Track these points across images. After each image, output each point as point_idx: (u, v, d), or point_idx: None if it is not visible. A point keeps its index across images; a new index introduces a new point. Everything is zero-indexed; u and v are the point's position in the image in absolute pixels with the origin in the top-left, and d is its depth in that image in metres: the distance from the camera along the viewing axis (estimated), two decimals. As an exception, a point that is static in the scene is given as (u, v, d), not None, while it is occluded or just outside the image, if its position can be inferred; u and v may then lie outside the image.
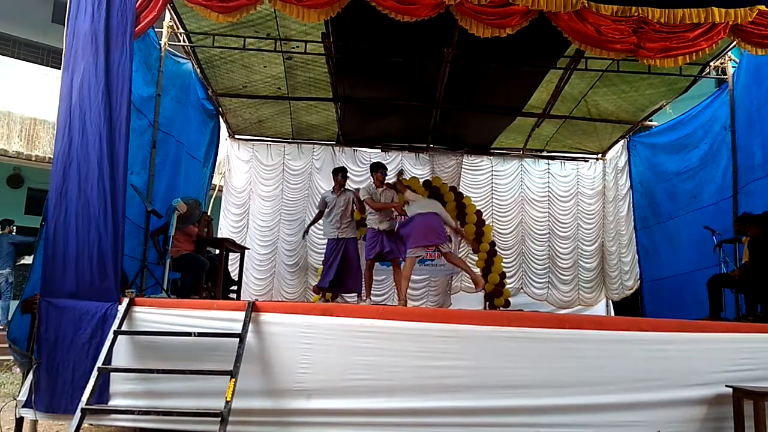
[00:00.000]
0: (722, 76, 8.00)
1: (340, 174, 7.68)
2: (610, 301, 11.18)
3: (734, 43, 6.23)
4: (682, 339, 4.47)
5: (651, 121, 9.84)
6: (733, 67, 7.82)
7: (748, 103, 7.37)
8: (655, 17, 5.33)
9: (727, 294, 6.57)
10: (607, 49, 5.53)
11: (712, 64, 7.84)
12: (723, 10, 5.32)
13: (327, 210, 7.54)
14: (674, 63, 5.68)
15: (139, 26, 5.09)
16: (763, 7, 5.32)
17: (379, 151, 10.97)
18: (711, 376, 4.35)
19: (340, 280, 7.34)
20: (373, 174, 7.44)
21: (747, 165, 7.30)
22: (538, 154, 11.27)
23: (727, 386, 4.28)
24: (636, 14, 5.32)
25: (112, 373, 4.22)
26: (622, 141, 10.49)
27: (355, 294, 7.55)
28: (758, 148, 7.08)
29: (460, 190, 10.57)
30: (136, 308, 4.40)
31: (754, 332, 4.58)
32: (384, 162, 10.45)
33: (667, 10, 5.33)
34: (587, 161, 11.37)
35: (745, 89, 7.48)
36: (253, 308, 4.31)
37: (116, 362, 4.24)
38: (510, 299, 10.19)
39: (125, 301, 4.37)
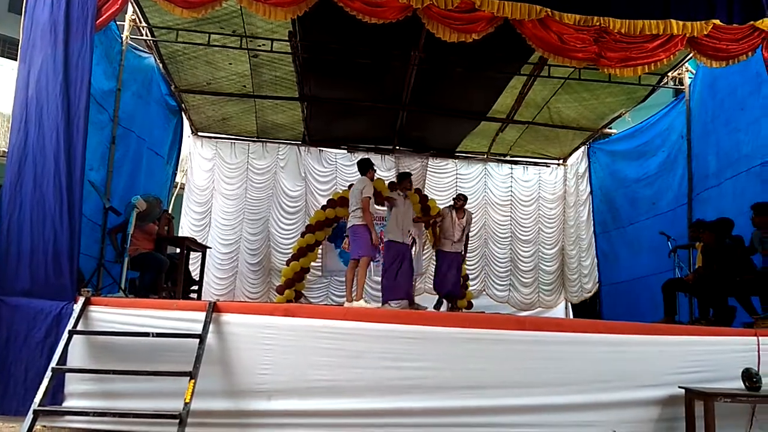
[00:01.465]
0: (680, 87, 8.27)
1: (407, 179, 7.59)
2: (569, 304, 11.41)
3: (691, 54, 6.44)
4: (638, 341, 4.58)
5: (611, 128, 10.09)
6: (689, 78, 8.07)
7: (704, 114, 7.63)
8: (616, 27, 5.48)
9: (681, 298, 6.77)
10: (570, 57, 5.65)
11: (670, 74, 8.10)
12: (681, 23, 5.50)
13: (394, 211, 7.34)
14: (634, 72, 5.86)
15: (101, 19, 4.97)
16: (717, 22, 5.52)
17: (345, 151, 10.95)
18: (665, 377, 4.47)
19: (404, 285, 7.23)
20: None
21: (702, 173, 7.57)
22: (502, 158, 11.43)
23: (679, 387, 4.40)
24: (597, 24, 5.46)
25: (66, 374, 4.11)
26: (583, 147, 10.73)
27: (406, 300, 7.33)
28: (713, 157, 7.35)
29: (425, 193, 10.62)
30: (92, 307, 4.29)
31: (706, 335, 4.73)
32: (351, 163, 10.51)
33: (627, 20, 5.49)
34: (549, 166, 11.59)
35: (701, 100, 7.75)
36: (214, 308, 4.25)
37: (71, 362, 4.12)
38: (472, 301, 10.29)
39: (81, 300, 4.25)
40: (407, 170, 10.19)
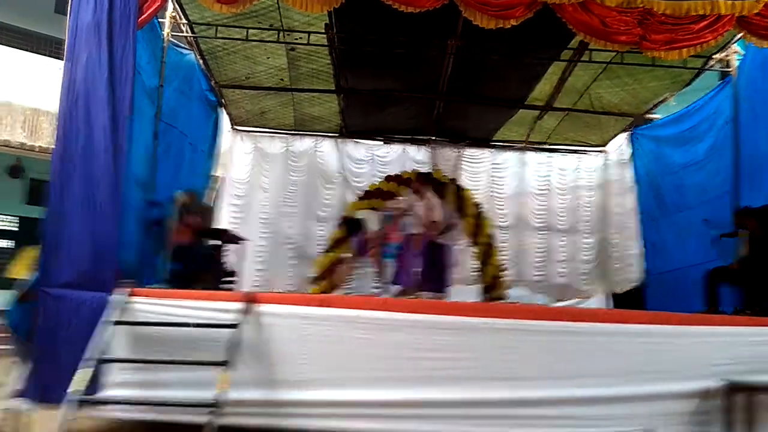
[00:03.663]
0: (726, 69, 7.94)
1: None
2: (608, 294, 11.14)
3: (739, 35, 6.19)
4: (677, 332, 4.47)
5: (654, 113, 9.79)
6: (737, 59, 7.76)
7: (754, 97, 7.31)
8: (661, 9, 5.28)
9: (725, 288, 6.55)
10: (612, 41, 5.50)
11: (716, 56, 7.79)
12: (729, 2, 5.26)
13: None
14: (679, 55, 5.65)
15: (142, 16, 5.10)
16: (769, -1, 5.27)
17: (382, 143, 10.94)
18: (706, 369, 4.35)
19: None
20: None
21: (751, 159, 7.25)
22: (540, 146, 11.22)
23: (722, 380, 4.27)
24: (641, 5, 5.27)
25: (107, 364, 4.22)
26: (625, 134, 10.44)
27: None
28: (763, 143, 7.03)
29: (459, 183, 10.53)
30: (134, 298, 4.41)
31: (750, 326, 4.57)
32: (386, 154, 10.56)
33: (672, 1, 5.27)
34: (589, 154, 11.32)
35: (750, 83, 7.41)
36: (250, 299, 4.31)
37: (112, 352, 4.23)
38: (507, 291, 10.17)
39: (123, 291, 4.37)
40: (438, 161, 10.18)
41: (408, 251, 7.68)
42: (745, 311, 5.89)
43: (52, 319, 4.30)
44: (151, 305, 4.40)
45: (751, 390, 4.02)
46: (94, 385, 4.12)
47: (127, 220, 4.99)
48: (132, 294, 4.41)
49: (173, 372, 4.16)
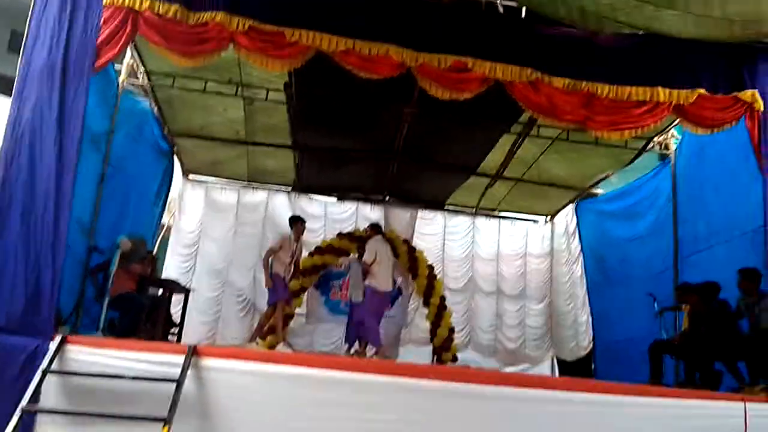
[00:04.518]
0: (665, 151, 8.43)
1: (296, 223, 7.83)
2: (555, 361, 11.27)
3: (677, 120, 6.62)
4: (624, 402, 4.52)
5: (598, 188, 10.23)
6: (675, 143, 8.25)
7: (692, 178, 7.76)
8: (604, 93, 5.62)
9: (668, 360, 6.73)
10: (559, 119, 5.80)
11: (656, 139, 8.27)
12: (667, 90, 5.66)
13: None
14: (621, 136, 6.01)
15: (99, 61, 5.04)
16: (702, 91, 5.69)
17: (335, 199, 11.00)
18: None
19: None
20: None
21: (691, 237, 7.63)
22: (490, 213, 11.51)
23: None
24: (586, 89, 5.61)
25: (38, 415, 3.96)
26: (571, 205, 10.83)
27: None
28: (702, 222, 7.43)
29: (413, 244, 10.63)
30: (69, 346, 4.18)
31: (693, 398, 4.68)
32: (341, 212, 10.65)
33: (615, 86, 5.64)
34: (536, 223, 11.67)
35: (687, 165, 7.90)
36: (194, 352, 4.16)
37: (45, 403, 3.98)
38: (458, 354, 10.16)
39: (57, 338, 4.15)
40: (392, 221, 10.29)
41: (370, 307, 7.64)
42: (686, 384, 6.04)
43: (-20, 364, 4.03)
44: (88, 355, 4.18)
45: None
46: None
47: (67, 264, 4.79)
48: (68, 342, 4.19)
49: (110, 426, 3.92)
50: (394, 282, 7.91)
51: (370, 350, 7.65)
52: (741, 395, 4.87)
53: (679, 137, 8.20)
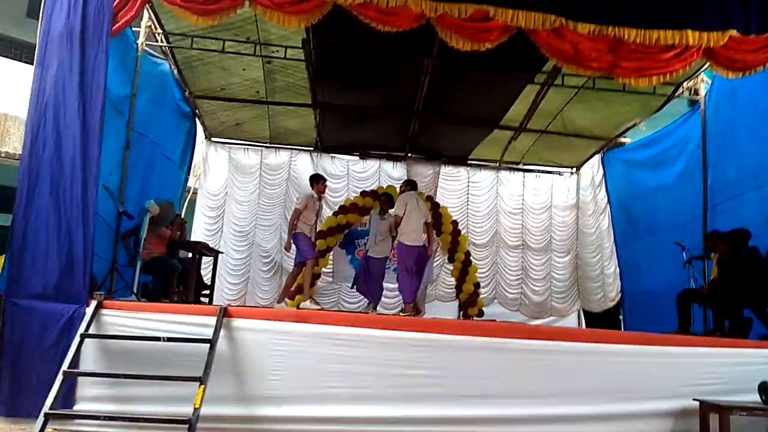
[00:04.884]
0: (695, 97, 8.19)
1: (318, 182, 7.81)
2: (581, 313, 11.30)
3: (707, 64, 6.39)
4: (651, 352, 4.54)
5: (625, 137, 10.02)
6: (705, 88, 8.00)
7: (723, 124, 7.53)
8: (631, 38, 5.42)
9: (696, 309, 6.69)
10: (584, 66, 5.62)
11: (685, 84, 8.02)
12: (697, 33, 5.43)
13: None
14: (648, 82, 5.80)
15: (117, 25, 5.02)
16: (734, 32, 5.44)
17: (357, 158, 10.97)
18: (679, 389, 4.43)
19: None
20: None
21: (721, 184, 7.46)
22: (514, 166, 11.38)
23: (694, 400, 4.34)
24: (612, 34, 5.41)
25: (78, 377, 4.13)
26: (597, 156, 10.65)
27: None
28: (733, 168, 7.24)
29: (437, 200, 10.61)
30: (105, 311, 4.32)
31: (721, 347, 4.67)
32: (363, 170, 10.65)
33: (642, 30, 5.42)
34: (562, 175, 11.52)
35: (718, 110, 7.65)
36: (224, 314, 4.26)
37: (83, 366, 4.15)
38: (484, 309, 10.24)
39: (93, 303, 4.28)
40: (415, 178, 10.26)
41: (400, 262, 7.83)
42: (715, 332, 6.02)
43: (20, 331, 4.19)
44: (123, 318, 4.32)
45: (723, 410, 4.09)
46: (66, 399, 4.03)
47: (98, 231, 4.90)
48: (103, 306, 4.32)
49: (147, 387, 4.08)
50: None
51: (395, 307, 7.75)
52: (771, 342, 4.85)
53: (710, 81, 7.94)
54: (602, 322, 10.67)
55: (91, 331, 4.17)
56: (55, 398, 3.80)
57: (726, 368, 4.54)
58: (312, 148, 10.84)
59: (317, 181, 7.77)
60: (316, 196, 7.62)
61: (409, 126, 9.76)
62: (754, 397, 4.27)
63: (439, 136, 10.13)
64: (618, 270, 10.24)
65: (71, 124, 4.60)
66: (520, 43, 5.50)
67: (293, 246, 7.33)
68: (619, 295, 10.21)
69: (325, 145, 10.68)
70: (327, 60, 7.77)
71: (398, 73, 8.04)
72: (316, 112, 9.35)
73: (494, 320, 8.88)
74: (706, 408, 4.28)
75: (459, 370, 4.27)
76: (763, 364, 4.54)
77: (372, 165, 10.95)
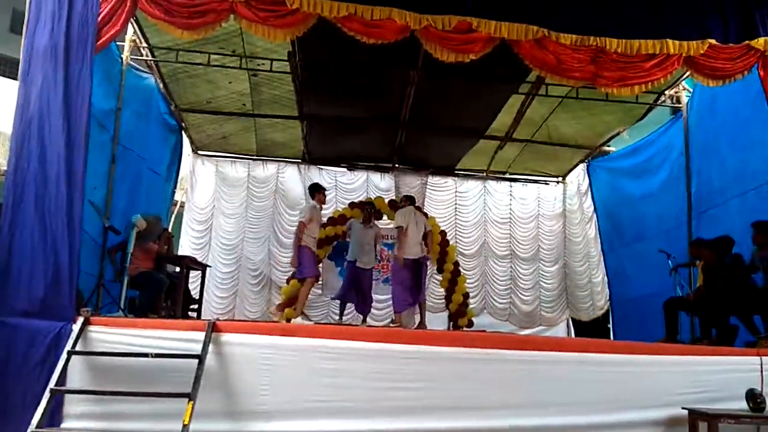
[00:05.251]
0: (677, 105, 8.30)
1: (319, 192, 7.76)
2: (570, 322, 11.35)
3: (687, 73, 6.49)
4: (640, 361, 4.54)
5: (609, 146, 10.13)
6: (687, 96, 8.11)
7: (705, 132, 7.64)
8: (612, 47, 5.51)
9: (683, 317, 6.73)
10: (567, 76, 5.69)
11: (667, 92, 8.13)
12: (677, 42, 5.54)
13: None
14: (631, 91, 5.91)
15: (101, 40, 5.00)
16: (713, 41, 5.56)
17: (345, 169, 10.98)
18: (667, 398, 4.43)
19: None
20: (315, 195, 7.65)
21: (706, 191, 7.55)
22: (501, 176, 11.45)
23: (683, 408, 4.36)
24: (594, 44, 5.49)
25: (65, 395, 4.06)
26: (582, 165, 10.75)
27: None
28: (716, 175, 7.33)
29: (425, 210, 10.62)
30: (92, 327, 4.25)
31: (709, 355, 4.70)
32: (350, 181, 10.66)
33: (624, 40, 5.52)
34: (548, 184, 11.60)
35: (700, 118, 7.76)
36: (213, 328, 4.22)
37: (70, 383, 4.07)
38: (473, 319, 10.24)
39: (80, 320, 4.23)
40: (402, 188, 10.31)
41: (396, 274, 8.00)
42: (702, 340, 6.06)
43: (6, 349, 4.11)
44: (110, 335, 4.25)
45: (711, 418, 4.11)
46: (53, 416, 3.95)
47: (84, 246, 4.85)
48: (90, 323, 4.27)
49: (135, 404, 4.01)
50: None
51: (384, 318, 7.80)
52: (757, 349, 4.88)
53: (691, 90, 8.06)
54: (591, 330, 10.72)
55: (78, 347, 4.11)
56: (42, 416, 3.73)
57: (714, 376, 4.56)
58: (299, 160, 10.85)
59: (318, 191, 7.64)
60: (318, 206, 7.54)
61: (396, 137, 9.81)
62: (742, 405, 4.29)
63: (425, 147, 10.18)
64: (606, 278, 10.31)
65: (56, 140, 4.55)
66: (503, 54, 5.57)
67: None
68: (608, 304, 10.29)
69: (312, 157, 10.69)
70: (313, 72, 7.80)
71: (384, 84, 8.09)
72: (302, 124, 9.36)
73: (484, 330, 8.90)
74: (694, 416, 4.29)
75: (449, 382, 4.25)
76: (750, 371, 4.56)
77: (359, 176, 10.97)
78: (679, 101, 8.24)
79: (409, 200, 8.28)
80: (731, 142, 7.12)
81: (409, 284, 7.73)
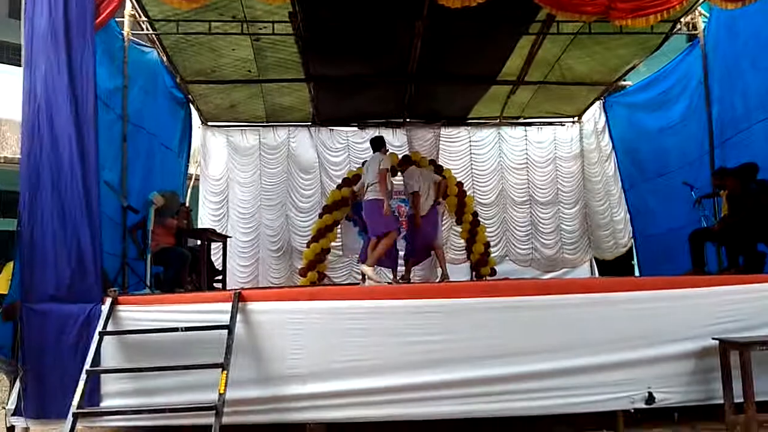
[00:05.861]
0: (693, 32, 8.00)
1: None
2: (594, 262, 11.31)
3: (703, -3, 6.23)
4: (667, 296, 4.51)
5: (625, 80, 9.85)
6: (703, 22, 7.80)
7: (725, 57, 7.34)
8: (626, -24, 5.29)
9: (710, 248, 6.65)
10: (579, 12, 5.50)
11: (682, 20, 7.83)
12: (692, -34, 5.29)
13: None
14: (646, 22, 5.68)
15: (100, 18, 4.94)
16: (730, -39, 5.29)
17: (356, 128, 10.87)
18: (697, 330, 4.41)
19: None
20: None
21: (728, 118, 7.30)
22: (515, 121, 11.24)
23: (713, 339, 4.34)
24: (606, -26, 5.27)
25: (101, 375, 4.17)
26: (598, 103, 10.51)
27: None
28: (738, 101, 7.08)
29: (440, 163, 10.53)
30: (120, 307, 4.33)
31: (736, 284, 4.63)
32: (362, 140, 10.55)
33: (637, -32, 5.29)
34: (564, 125, 11.37)
35: (719, 43, 7.46)
36: (239, 298, 4.26)
37: (105, 363, 4.18)
38: (495, 267, 10.25)
39: (108, 300, 4.29)
40: (415, 142, 10.22)
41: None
42: (729, 270, 5.99)
43: (39, 334, 4.21)
44: (139, 312, 4.33)
45: (742, 346, 4.09)
46: (91, 396, 4.07)
47: (105, 227, 4.88)
48: (118, 303, 4.33)
49: (170, 377, 4.11)
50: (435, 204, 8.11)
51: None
52: (788, 274, 4.82)
53: (708, 15, 7.74)
54: (615, 268, 10.68)
55: (108, 327, 4.19)
56: (81, 397, 3.84)
57: (743, 304, 4.50)
58: (309, 123, 10.75)
59: (384, 144, 7.53)
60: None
61: (405, 91, 9.63)
62: (774, 331, 4.26)
63: (436, 99, 10.00)
64: (628, 216, 10.19)
65: (65, 123, 4.54)
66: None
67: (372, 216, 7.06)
68: (631, 241, 10.20)
69: (322, 118, 10.57)
70: (316, 32, 7.63)
71: (389, 38, 7.89)
72: (309, 85, 9.23)
73: (507, 278, 8.91)
74: (725, 346, 4.27)
75: (475, 333, 4.28)
76: (781, 296, 4.51)
77: (371, 134, 10.83)
78: (695, 28, 7.93)
79: (407, 162, 8.51)
80: (753, 66, 6.82)
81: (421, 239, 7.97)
